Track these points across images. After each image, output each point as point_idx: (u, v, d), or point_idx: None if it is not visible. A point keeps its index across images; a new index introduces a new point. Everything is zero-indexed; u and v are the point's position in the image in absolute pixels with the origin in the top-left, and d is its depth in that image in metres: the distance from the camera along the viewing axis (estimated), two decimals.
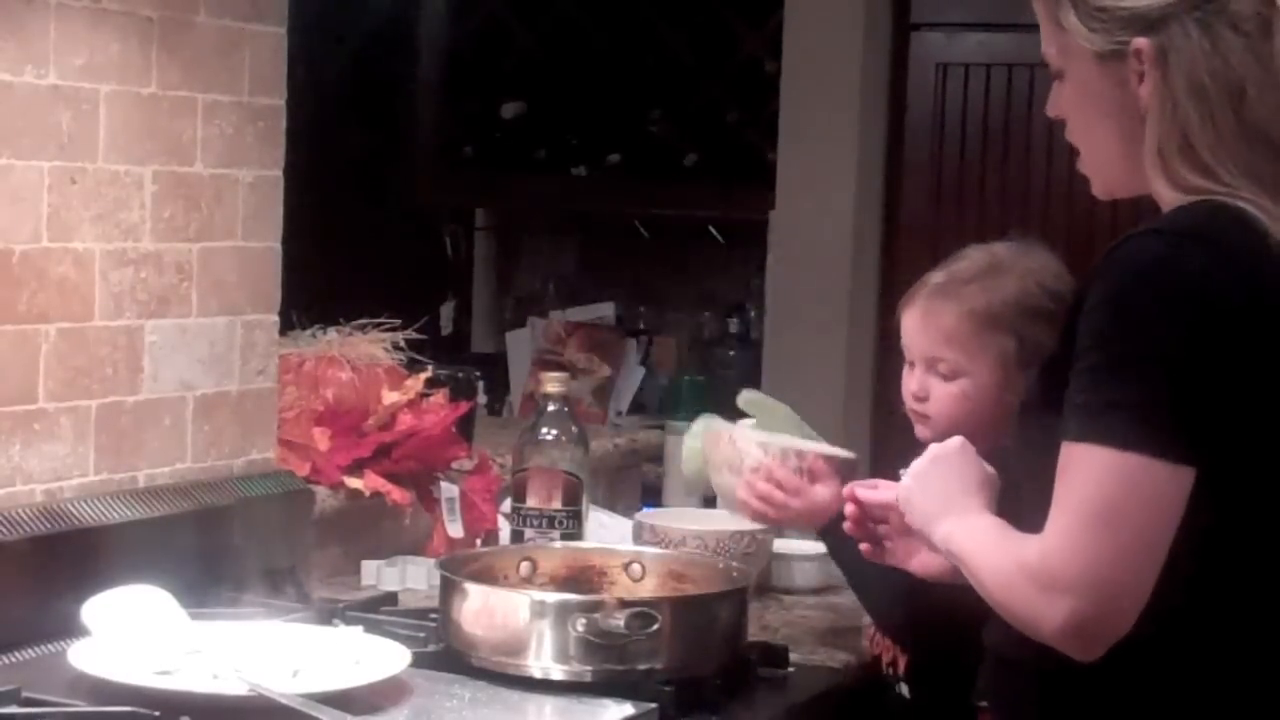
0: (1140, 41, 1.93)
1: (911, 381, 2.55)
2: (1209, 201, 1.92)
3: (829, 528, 2.49)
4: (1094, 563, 1.83)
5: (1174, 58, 1.93)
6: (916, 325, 2.55)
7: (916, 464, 2.13)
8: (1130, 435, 1.82)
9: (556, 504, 2.79)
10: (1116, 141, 1.99)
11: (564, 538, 2.76)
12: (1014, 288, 2.51)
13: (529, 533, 2.78)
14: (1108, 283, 1.88)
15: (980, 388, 2.50)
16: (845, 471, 2.56)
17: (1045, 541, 1.86)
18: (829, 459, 2.58)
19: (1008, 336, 2.48)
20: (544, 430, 2.81)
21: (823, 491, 2.54)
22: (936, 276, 2.57)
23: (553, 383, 2.86)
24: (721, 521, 2.81)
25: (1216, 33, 1.93)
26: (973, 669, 2.17)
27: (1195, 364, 1.83)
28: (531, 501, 2.80)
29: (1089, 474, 1.84)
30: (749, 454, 2.59)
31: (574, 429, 2.84)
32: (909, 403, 2.56)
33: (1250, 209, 1.90)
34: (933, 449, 2.13)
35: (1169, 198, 1.95)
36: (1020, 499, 2.01)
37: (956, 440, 2.13)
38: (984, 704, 2.14)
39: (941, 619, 2.28)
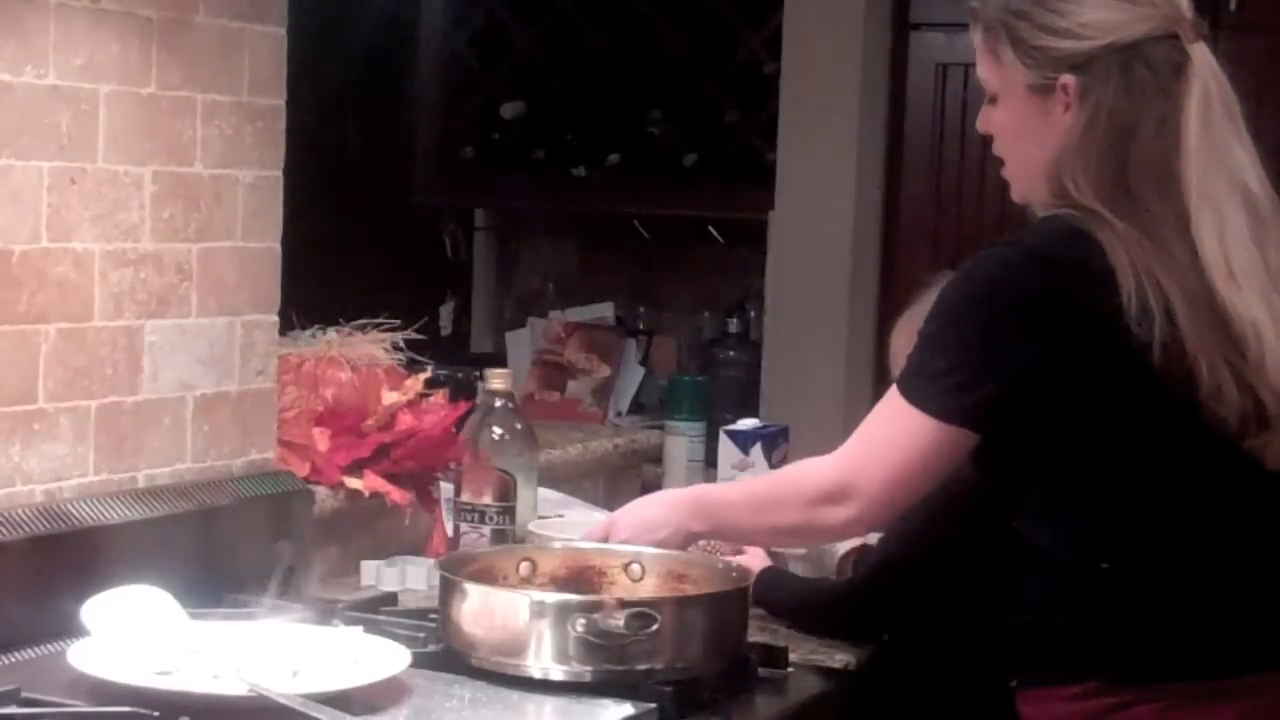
0: (1067, 78, 2.23)
1: None
2: (1052, 216, 2.24)
3: (754, 589, 2.57)
4: (875, 478, 2.29)
5: (1090, 94, 2.21)
6: (898, 344, 2.72)
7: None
8: (922, 397, 2.23)
9: (488, 499, 2.81)
10: (1032, 159, 2.28)
11: (494, 534, 2.80)
12: None
13: (464, 527, 2.83)
14: (954, 276, 2.27)
15: None
16: None
17: (843, 458, 2.33)
18: None
19: None
20: (487, 427, 2.84)
21: (741, 559, 2.70)
22: (919, 295, 2.74)
23: (498, 379, 2.88)
24: None
25: (1132, 73, 2.21)
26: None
27: (986, 349, 2.20)
28: (465, 496, 2.83)
29: (888, 417, 2.28)
30: None
31: (518, 426, 2.86)
32: None
33: (1090, 224, 2.18)
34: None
35: (1041, 209, 2.28)
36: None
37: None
38: (1014, 683, 2.29)
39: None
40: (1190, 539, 2.21)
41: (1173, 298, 2.13)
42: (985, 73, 2.32)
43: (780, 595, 2.64)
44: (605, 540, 2.53)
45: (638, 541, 2.50)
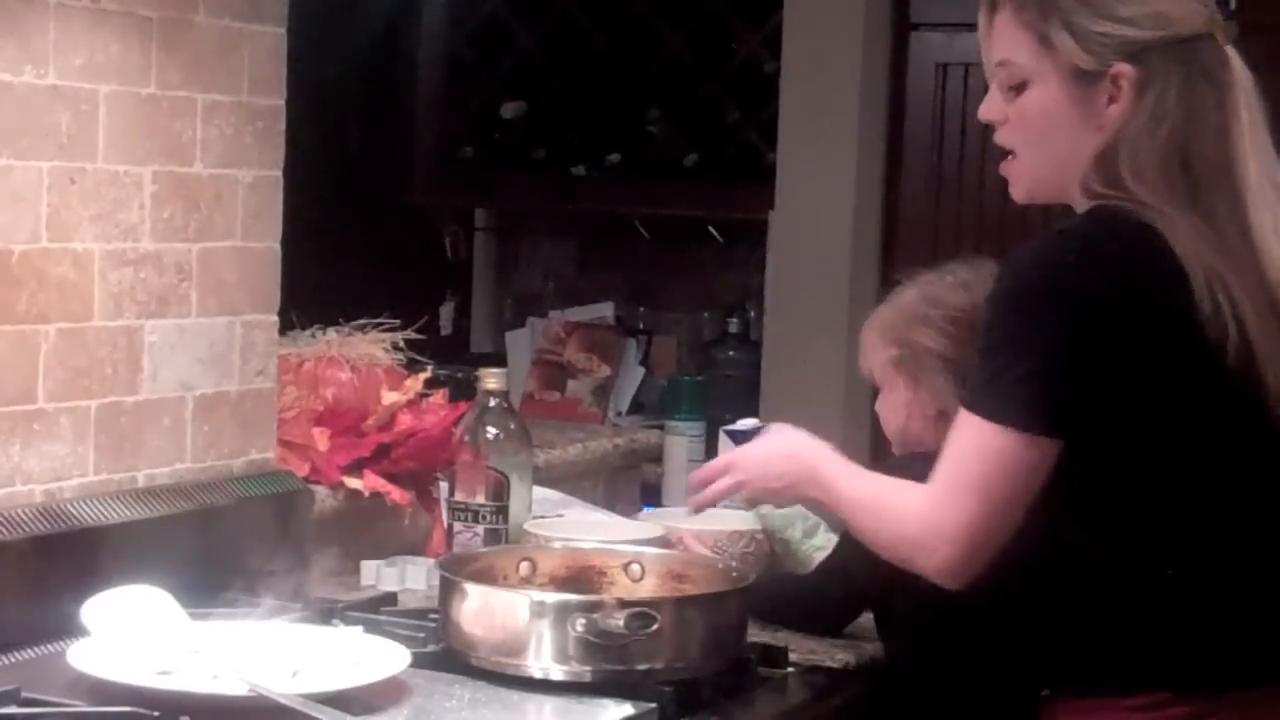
0: (1123, 67, 2.16)
1: None
2: (1110, 207, 2.14)
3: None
4: (966, 522, 2.13)
5: (1151, 86, 2.14)
6: (863, 346, 2.74)
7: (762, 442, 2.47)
8: (1001, 411, 2.10)
9: (481, 499, 2.82)
10: (1061, 150, 2.21)
11: (488, 533, 2.80)
12: (907, 301, 2.67)
13: (458, 526, 2.83)
14: (1000, 279, 2.17)
15: (889, 399, 2.68)
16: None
17: (928, 498, 2.17)
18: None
19: (893, 346, 2.65)
20: (482, 427, 2.84)
21: None
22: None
23: (492, 379, 2.89)
24: (719, 521, 2.81)
25: (1190, 68, 2.15)
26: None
27: (1061, 350, 2.08)
28: (459, 496, 2.84)
29: (970, 442, 2.13)
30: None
31: (513, 425, 2.87)
32: None
33: (1145, 216, 2.11)
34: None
35: (1082, 204, 2.19)
36: None
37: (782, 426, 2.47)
38: (1046, 692, 2.25)
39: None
40: (1258, 542, 2.14)
41: (1239, 298, 2.07)
42: (1015, 55, 2.21)
43: (761, 596, 2.57)
44: (724, 473, 2.44)
45: (756, 484, 2.43)
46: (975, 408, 2.13)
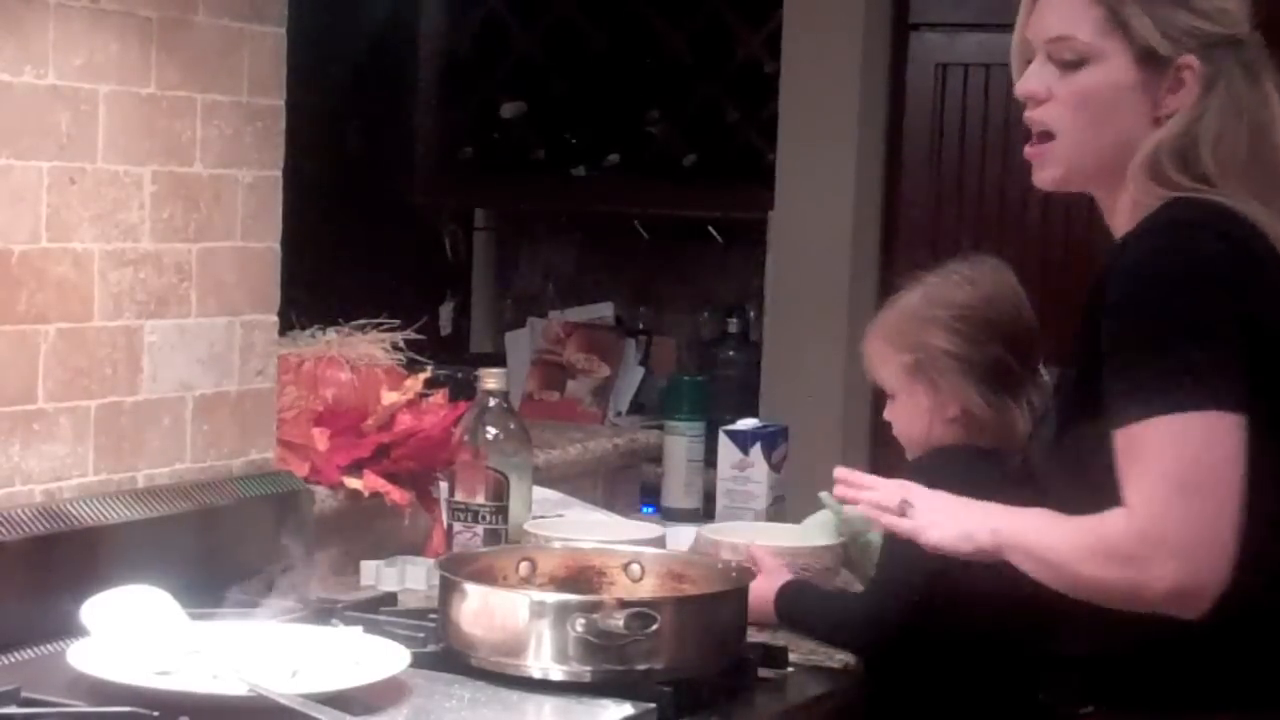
0: (1190, 58, 2.12)
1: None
2: (1200, 198, 2.08)
3: (776, 605, 2.56)
4: (1191, 524, 1.95)
5: (1221, 81, 2.11)
6: (866, 355, 2.73)
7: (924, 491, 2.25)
8: (1192, 398, 1.96)
9: (481, 499, 2.82)
10: (1112, 134, 2.14)
11: (488, 534, 2.80)
12: (912, 304, 2.65)
13: (457, 526, 2.83)
14: (1131, 276, 2.04)
15: (904, 405, 2.65)
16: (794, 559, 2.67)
17: (1134, 514, 1.98)
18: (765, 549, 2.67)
19: (905, 352, 2.62)
20: (481, 427, 2.84)
21: (754, 582, 2.53)
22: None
23: (492, 379, 2.89)
24: (780, 537, 2.78)
25: (1250, 66, 2.14)
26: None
27: (1225, 328, 1.99)
28: (459, 496, 2.84)
29: (1164, 445, 1.97)
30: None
31: (512, 425, 2.87)
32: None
33: (1240, 207, 2.07)
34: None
35: (1153, 194, 2.11)
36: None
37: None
38: (1089, 709, 2.17)
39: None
40: None
41: None
42: (1077, 30, 2.14)
43: (809, 613, 2.56)
44: (901, 514, 2.22)
45: (928, 524, 2.19)
46: (1159, 407, 1.97)
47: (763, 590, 2.55)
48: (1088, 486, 2.06)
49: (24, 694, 2.04)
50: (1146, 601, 1.98)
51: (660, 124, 5.45)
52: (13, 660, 2.23)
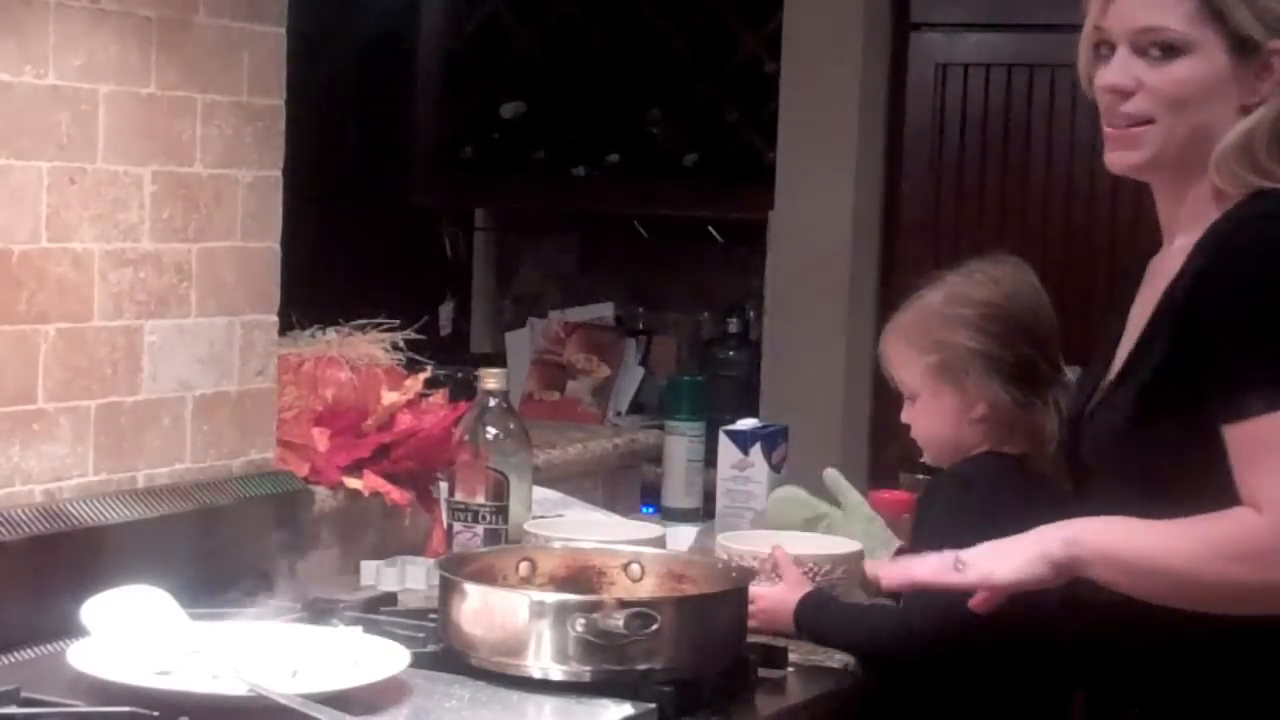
0: (1277, 43, 2.09)
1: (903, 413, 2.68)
2: None
3: (797, 615, 2.53)
4: None
5: None
6: (884, 359, 2.68)
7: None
8: None
9: (481, 499, 2.82)
10: (1205, 120, 2.10)
11: (488, 533, 2.80)
12: (935, 304, 2.61)
13: (457, 526, 2.84)
14: (1240, 271, 2.02)
15: (932, 403, 2.60)
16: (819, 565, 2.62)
17: (1273, 509, 1.92)
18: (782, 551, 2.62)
19: (930, 350, 2.59)
20: (481, 427, 2.84)
21: (775, 589, 2.55)
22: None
23: (492, 379, 2.89)
24: (800, 545, 2.73)
25: None
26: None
27: None
28: (459, 495, 2.84)
29: None
30: None
31: (512, 425, 2.87)
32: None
33: None
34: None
35: (1244, 183, 2.08)
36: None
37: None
38: (1136, 710, 2.14)
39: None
40: None
41: None
42: (1169, 20, 2.11)
43: (831, 629, 2.53)
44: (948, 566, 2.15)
45: (992, 567, 2.12)
46: None
47: (784, 600, 2.54)
48: (1151, 485, 2.04)
49: (24, 694, 2.04)
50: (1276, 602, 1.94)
51: (660, 124, 5.45)
52: (13, 660, 2.23)
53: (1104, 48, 2.16)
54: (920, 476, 3.12)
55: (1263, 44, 2.09)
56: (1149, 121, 2.13)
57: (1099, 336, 2.31)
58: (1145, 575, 2.02)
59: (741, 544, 2.71)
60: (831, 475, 2.91)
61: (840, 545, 2.73)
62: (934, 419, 2.61)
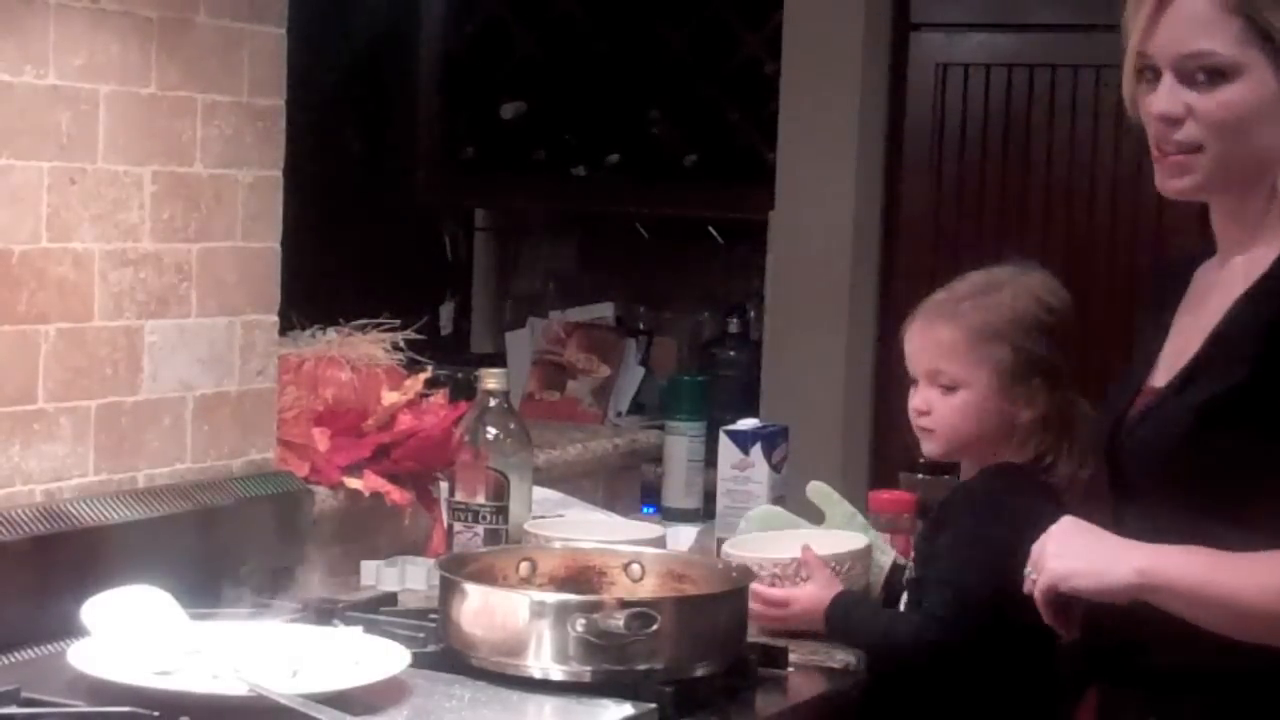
0: None
1: (915, 398, 2.61)
2: None
3: (829, 614, 2.53)
4: None
5: None
6: (917, 343, 2.61)
7: (1051, 531, 2.10)
8: None
9: (481, 499, 2.82)
10: (1260, 143, 2.06)
11: (488, 534, 2.80)
12: (1009, 302, 2.57)
13: (458, 526, 2.84)
14: None
15: (980, 399, 2.55)
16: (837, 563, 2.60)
17: None
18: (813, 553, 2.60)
19: (1003, 349, 2.54)
20: (482, 427, 2.85)
21: (808, 589, 2.54)
22: (937, 295, 2.64)
23: (492, 379, 2.89)
24: (850, 543, 2.71)
25: None
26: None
27: None
28: (459, 496, 2.84)
29: None
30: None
31: (512, 425, 2.87)
32: (914, 419, 2.62)
33: None
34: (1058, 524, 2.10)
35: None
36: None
37: (1068, 518, 2.11)
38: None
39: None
40: None
41: None
42: (1217, 44, 2.05)
43: (858, 630, 2.52)
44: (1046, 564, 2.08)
45: (1066, 568, 2.05)
46: None
47: (815, 599, 2.54)
48: (1206, 499, 2.01)
49: (24, 694, 2.04)
50: None
51: (661, 124, 5.45)
52: (13, 660, 2.23)
53: (1148, 73, 2.11)
54: (920, 476, 3.11)
55: None
56: (1198, 149, 2.08)
57: (1136, 337, 2.27)
58: (1211, 607, 1.99)
59: (755, 551, 2.68)
60: (816, 488, 2.86)
61: (851, 541, 2.70)
62: (968, 415, 2.56)
